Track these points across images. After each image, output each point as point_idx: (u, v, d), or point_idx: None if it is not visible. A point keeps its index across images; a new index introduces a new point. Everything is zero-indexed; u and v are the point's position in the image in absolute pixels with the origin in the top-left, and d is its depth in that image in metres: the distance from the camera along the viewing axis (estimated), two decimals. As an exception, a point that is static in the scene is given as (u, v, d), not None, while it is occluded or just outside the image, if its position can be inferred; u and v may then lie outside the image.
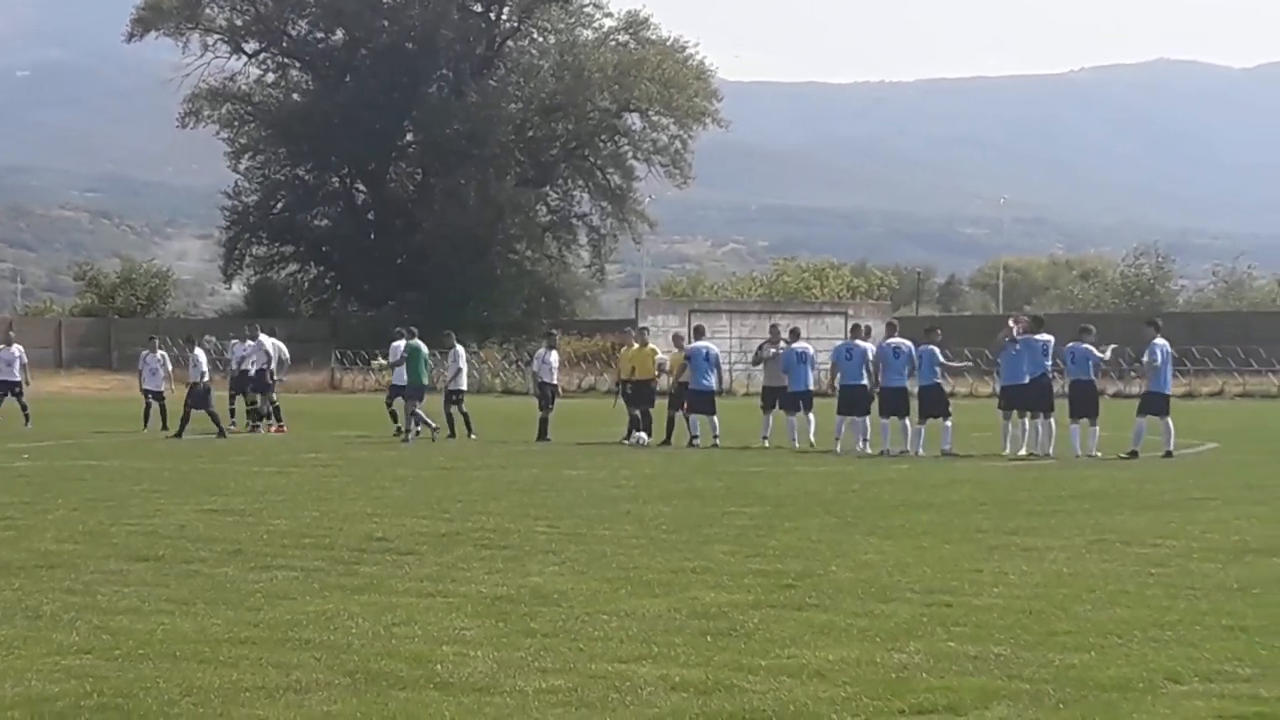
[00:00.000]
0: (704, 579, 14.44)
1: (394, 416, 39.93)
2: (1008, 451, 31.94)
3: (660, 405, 37.54)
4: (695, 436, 35.46)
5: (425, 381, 38.47)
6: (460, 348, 40.36)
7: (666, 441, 35.98)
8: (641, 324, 55.81)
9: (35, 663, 10.74)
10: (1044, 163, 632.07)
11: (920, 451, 32.31)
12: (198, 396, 38.66)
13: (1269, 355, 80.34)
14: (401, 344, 39.52)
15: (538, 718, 9.10)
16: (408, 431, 37.25)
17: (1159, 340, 33.05)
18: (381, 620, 12.22)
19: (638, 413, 36.53)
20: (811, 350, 37.03)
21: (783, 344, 36.77)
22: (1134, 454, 31.52)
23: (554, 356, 38.77)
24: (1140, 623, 12.11)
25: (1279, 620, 12.30)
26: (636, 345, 38.00)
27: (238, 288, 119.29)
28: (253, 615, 12.54)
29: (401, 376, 38.91)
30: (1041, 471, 28.59)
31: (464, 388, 39.63)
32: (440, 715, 9.13)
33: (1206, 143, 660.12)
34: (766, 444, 34.91)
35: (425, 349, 39.03)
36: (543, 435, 37.14)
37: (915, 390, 34.33)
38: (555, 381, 38.46)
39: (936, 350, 33.73)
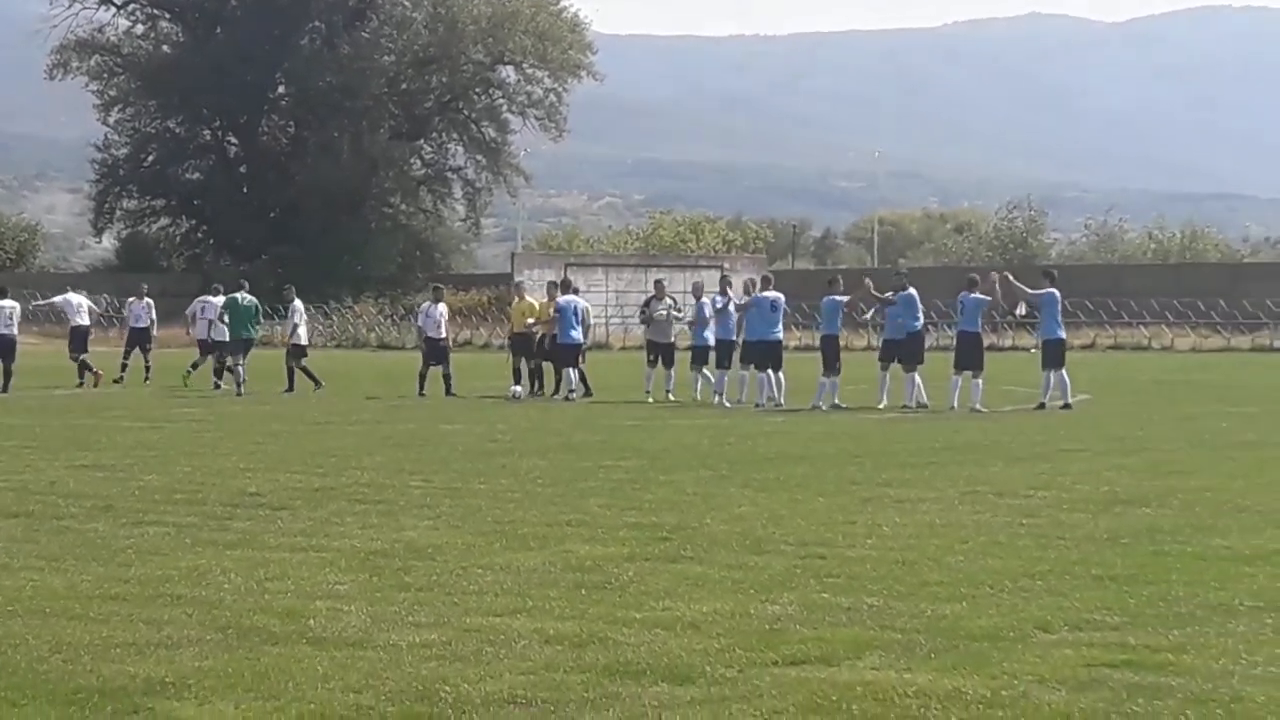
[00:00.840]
0: (579, 532, 14.48)
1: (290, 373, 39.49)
2: (884, 404, 32.10)
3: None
4: (572, 390, 35.51)
5: (250, 335, 38.12)
6: (299, 302, 39.64)
7: (542, 390, 36.19)
8: (519, 278, 56.05)
9: (-99, 621, 11.39)
10: (917, 117, 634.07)
11: (838, 404, 31.86)
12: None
13: (1139, 308, 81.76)
14: (219, 299, 39.86)
15: (411, 672, 9.08)
16: (239, 385, 36.73)
17: (1053, 289, 33.53)
18: (254, 575, 12.14)
19: (532, 366, 36.22)
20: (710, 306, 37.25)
21: (668, 301, 36.57)
22: (1068, 405, 31.44)
23: (440, 310, 38.26)
24: (1011, 573, 12.25)
25: (1147, 569, 12.50)
26: (546, 300, 37.98)
27: (108, 242, 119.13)
28: (123, 571, 12.43)
29: (223, 332, 38.80)
30: (915, 424, 28.89)
31: (304, 342, 39.29)
32: (313, 670, 9.08)
33: (1077, 97, 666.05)
34: (650, 399, 34.53)
35: (246, 301, 38.21)
36: (421, 387, 36.59)
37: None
38: (444, 335, 37.95)
39: (840, 299, 33.42)
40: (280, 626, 10.31)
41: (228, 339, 38.47)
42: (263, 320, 40.70)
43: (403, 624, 10.43)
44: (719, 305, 35.23)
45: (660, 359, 35.80)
